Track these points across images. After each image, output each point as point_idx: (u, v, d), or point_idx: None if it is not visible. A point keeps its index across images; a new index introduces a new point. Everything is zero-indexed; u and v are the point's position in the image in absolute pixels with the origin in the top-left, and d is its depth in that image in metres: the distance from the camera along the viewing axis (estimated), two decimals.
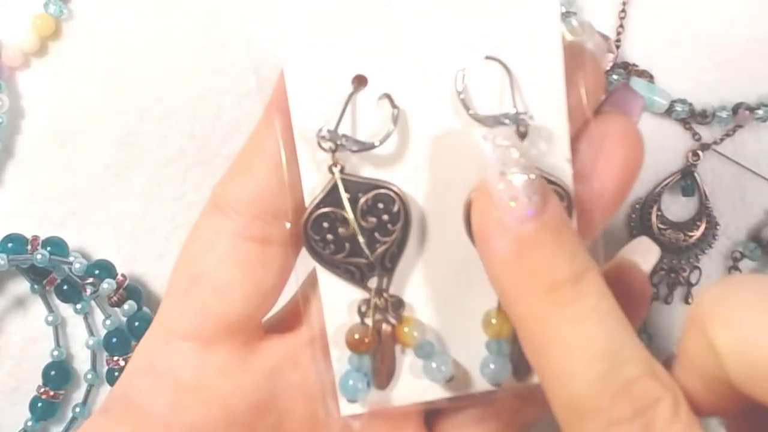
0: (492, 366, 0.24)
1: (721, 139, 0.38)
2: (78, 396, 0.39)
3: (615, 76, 0.38)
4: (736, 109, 0.38)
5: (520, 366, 0.24)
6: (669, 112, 0.38)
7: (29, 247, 0.37)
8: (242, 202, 0.24)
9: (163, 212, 0.39)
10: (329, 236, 0.23)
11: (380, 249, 0.23)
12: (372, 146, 0.22)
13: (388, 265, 0.23)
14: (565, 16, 0.38)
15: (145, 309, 0.39)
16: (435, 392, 0.24)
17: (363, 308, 0.23)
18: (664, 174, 0.38)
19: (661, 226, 0.38)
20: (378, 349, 0.23)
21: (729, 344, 0.18)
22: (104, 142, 0.39)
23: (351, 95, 0.22)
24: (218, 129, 0.39)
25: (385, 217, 0.22)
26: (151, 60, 0.39)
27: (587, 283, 0.20)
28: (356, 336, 0.23)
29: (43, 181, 0.39)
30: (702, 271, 0.39)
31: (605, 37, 0.38)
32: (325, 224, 0.23)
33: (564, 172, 0.23)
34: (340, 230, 0.23)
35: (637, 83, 0.37)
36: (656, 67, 0.38)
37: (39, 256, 0.36)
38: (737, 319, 0.18)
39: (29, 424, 0.38)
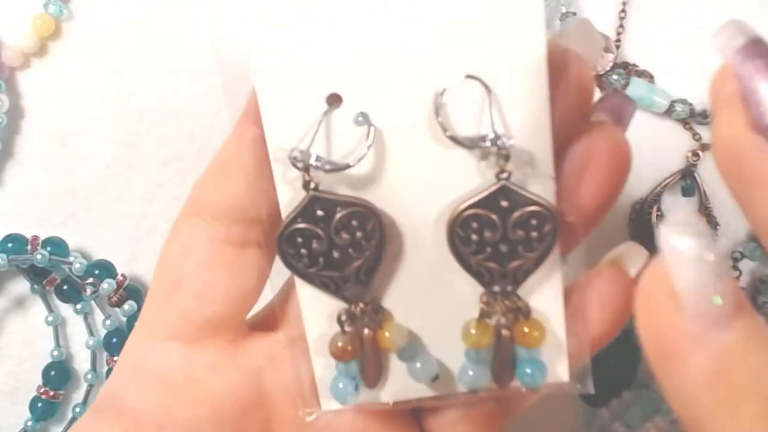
0: (470, 373, 0.24)
1: None
2: (78, 396, 0.39)
3: (615, 76, 0.38)
4: None
5: (502, 375, 0.24)
6: (669, 112, 0.38)
7: (29, 247, 0.37)
8: (220, 210, 0.24)
9: (163, 212, 0.39)
10: (303, 251, 0.23)
11: (354, 264, 0.23)
12: (346, 167, 0.22)
13: (362, 278, 0.23)
14: (565, 16, 0.38)
15: None
16: (421, 391, 0.24)
17: (343, 317, 0.23)
18: (664, 174, 0.38)
19: None
20: (362, 354, 0.24)
21: None
22: (104, 142, 0.39)
23: (325, 114, 0.22)
24: (218, 129, 0.39)
25: (359, 234, 0.22)
26: (151, 60, 0.39)
27: None
28: (339, 344, 0.23)
29: (43, 181, 0.39)
30: None
31: (605, 37, 0.38)
32: (299, 239, 0.23)
33: (548, 189, 0.22)
34: (314, 245, 0.23)
35: (637, 83, 0.37)
36: (656, 67, 0.38)
37: (39, 256, 0.36)
38: None
39: (29, 424, 0.38)
